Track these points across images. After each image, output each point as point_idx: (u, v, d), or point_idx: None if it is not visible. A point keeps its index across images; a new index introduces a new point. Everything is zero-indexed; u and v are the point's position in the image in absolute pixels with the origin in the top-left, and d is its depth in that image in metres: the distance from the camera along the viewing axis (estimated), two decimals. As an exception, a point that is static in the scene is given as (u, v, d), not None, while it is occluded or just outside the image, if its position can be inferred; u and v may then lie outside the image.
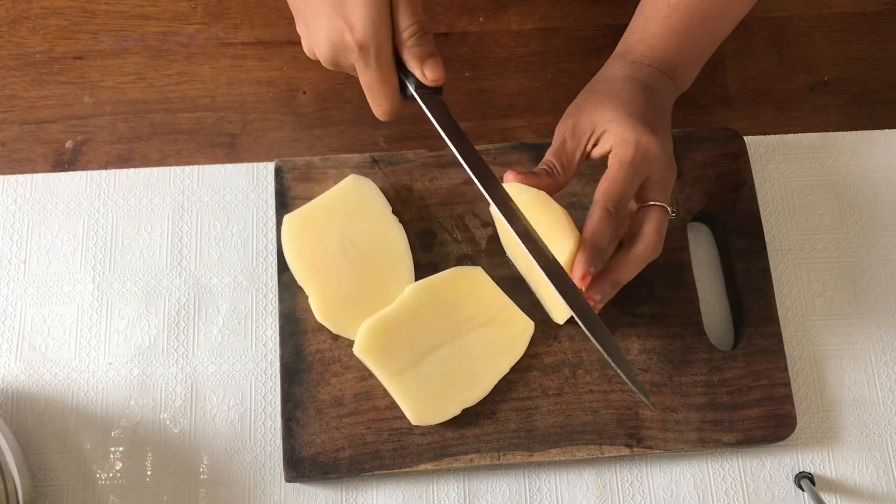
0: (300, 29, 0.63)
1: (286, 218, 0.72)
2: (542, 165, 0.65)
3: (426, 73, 0.60)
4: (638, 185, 0.63)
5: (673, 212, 0.66)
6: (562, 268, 0.61)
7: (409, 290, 0.70)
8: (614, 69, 0.68)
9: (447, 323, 0.70)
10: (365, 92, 0.61)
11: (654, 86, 0.66)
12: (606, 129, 0.63)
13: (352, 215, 0.72)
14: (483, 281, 0.71)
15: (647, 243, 0.64)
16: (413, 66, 0.60)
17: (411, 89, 0.61)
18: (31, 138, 0.79)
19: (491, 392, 0.70)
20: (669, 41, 0.67)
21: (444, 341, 0.70)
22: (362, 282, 0.71)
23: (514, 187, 0.63)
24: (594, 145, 0.65)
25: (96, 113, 0.80)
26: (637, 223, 0.65)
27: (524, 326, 0.71)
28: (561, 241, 0.62)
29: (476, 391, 0.69)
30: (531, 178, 0.63)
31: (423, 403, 0.68)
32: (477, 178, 0.61)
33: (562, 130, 0.65)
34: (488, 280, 0.72)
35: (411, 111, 0.63)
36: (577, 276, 0.61)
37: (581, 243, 0.61)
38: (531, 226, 0.61)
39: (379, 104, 0.62)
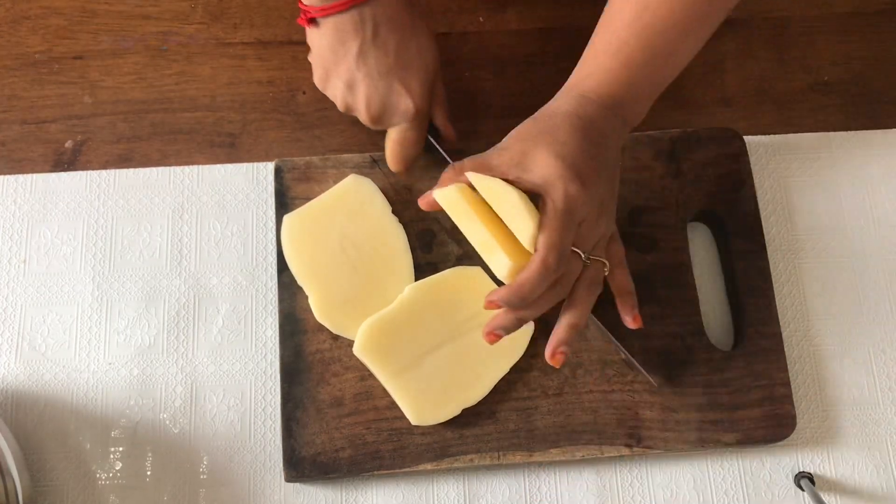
0: (335, 88, 0.72)
1: (286, 218, 0.72)
2: (457, 164, 0.66)
3: (450, 131, 0.75)
4: (572, 236, 0.61)
5: (586, 259, 0.63)
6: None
7: (409, 290, 0.70)
8: (560, 102, 0.65)
9: (447, 323, 0.70)
10: (393, 144, 0.73)
11: (598, 124, 0.64)
12: (535, 167, 0.62)
13: (352, 215, 0.72)
14: (483, 281, 0.71)
15: (574, 298, 0.64)
16: (441, 125, 0.75)
17: (431, 139, 0.74)
18: (31, 138, 0.79)
19: (491, 392, 0.70)
20: (618, 76, 0.65)
21: (444, 341, 0.70)
22: (362, 282, 0.71)
23: (474, 175, 0.63)
24: (515, 174, 0.63)
25: (96, 113, 0.80)
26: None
27: (524, 326, 0.71)
28: (521, 224, 0.61)
29: (476, 391, 0.69)
30: (447, 177, 0.67)
31: (422, 403, 0.68)
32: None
33: (489, 155, 0.64)
34: (488, 280, 0.72)
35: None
36: (486, 300, 0.62)
37: (507, 295, 0.61)
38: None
39: (406, 156, 0.73)
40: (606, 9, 0.67)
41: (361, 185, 0.73)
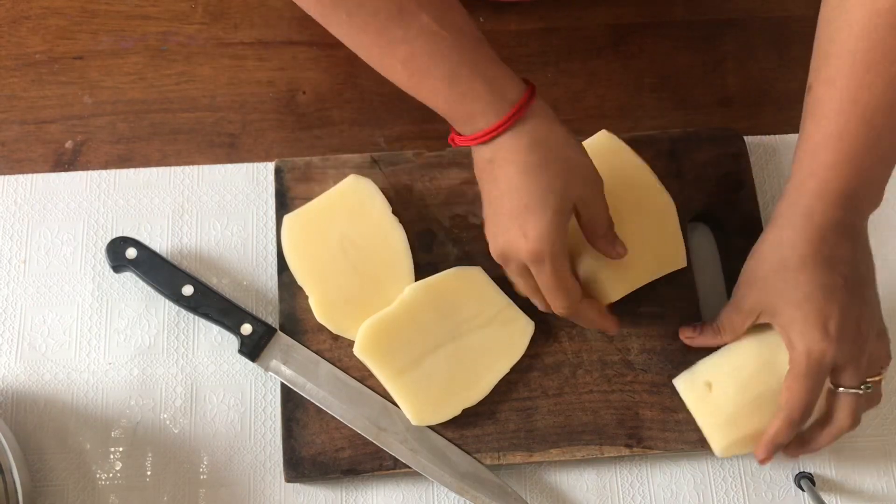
0: (491, 230, 0.64)
1: (286, 218, 0.72)
2: (713, 323, 0.68)
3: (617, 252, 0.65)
4: (820, 388, 0.62)
5: (867, 389, 0.64)
6: None
7: (409, 290, 0.70)
8: (786, 225, 0.62)
9: (447, 323, 0.70)
10: (543, 291, 0.63)
11: (838, 246, 0.60)
12: (774, 319, 0.63)
13: (352, 215, 0.72)
14: (483, 281, 0.71)
15: (840, 426, 0.65)
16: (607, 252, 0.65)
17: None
18: (31, 138, 0.79)
19: (491, 392, 0.70)
20: (844, 168, 0.60)
21: (444, 341, 0.70)
22: (362, 282, 0.71)
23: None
24: (764, 321, 0.65)
25: (96, 113, 0.80)
26: (829, 405, 0.65)
27: (524, 326, 0.71)
28: None
29: (476, 391, 0.69)
30: (700, 339, 0.69)
31: (423, 403, 0.68)
32: None
33: (735, 296, 0.66)
34: (488, 280, 0.71)
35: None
36: (758, 458, 0.65)
37: (763, 439, 0.64)
38: None
39: (558, 305, 0.64)
40: (809, 94, 0.61)
41: (361, 185, 0.73)
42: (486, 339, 0.70)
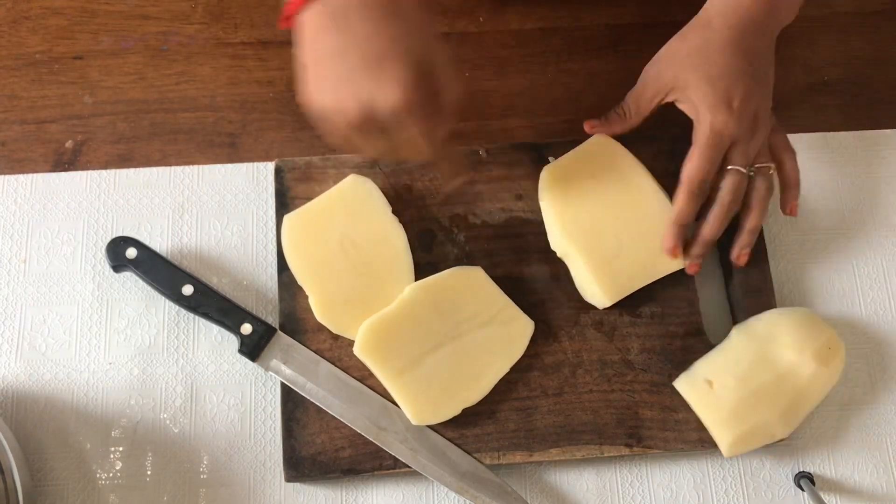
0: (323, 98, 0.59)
1: (286, 218, 0.72)
2: (617, 109, 0.74)
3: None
4: (718, 160, 0.69)
5: (750, 171, 0.70)
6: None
7: (409, 290, 0.70)
8: (715, 14, 0.69)
9: (447, 323, 0.70)
10: (404, 144, 0.60)
11: (748, 33, 0.68)
12: (685, 93, 0.69)
13: (352, 215, 0.72)
14: (483, 281, 0.71)
15: (722, 203, 0.70)
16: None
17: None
18: (31, 138, 0.79)
19: (491, 392, 0.70)
20: None
21: (444, 341, 0.70)
22: (362, 282, 0.71)
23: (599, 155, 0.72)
24: (672, 98, 0.71)
25: (96, 113, 0.80)
26: (715, 186, 0.71)
27: (524, 326, 0.71)
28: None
29: (476, 391, 0.69)
30: (604, 127, 0.74)
31: (423, 403, 0.68)
32: None
33: (646, 76, 0.72)
34: (488, 280, 0.71)
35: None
36: (666, 250, 0.71)
37: (669, 223, 0.71)
38: None
39: (426, 153, 0.61)
40: None
41: (361, 185, 0.73)
42: (486, 339, 0.70)
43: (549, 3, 0.85)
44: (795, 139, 0.79)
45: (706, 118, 0.68)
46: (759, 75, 0.69)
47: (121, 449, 0.70)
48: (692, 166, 0.69)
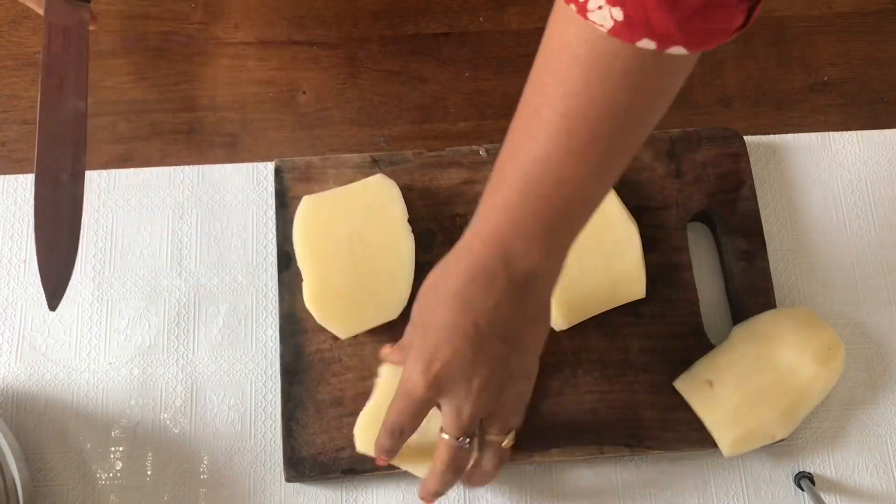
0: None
1: (305, 198, 0.72)
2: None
3: None
4: (414, 416, 0.60)
5: (466, 441, 0.60)
6: None
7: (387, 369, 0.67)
8: (453, 252, 0.60)
9: None
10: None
11: (480, 283, 0.57)
12: (406, 338, 0.62)
13: (369, 212, 0.72)
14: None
15: (433, 470, 0.61)
16: None
17: None
18: (31, 138, 0.78)
19: (491, 392, 0.70)
20: (499, 213, 0.57)
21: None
22: (359, 281, 0.71)
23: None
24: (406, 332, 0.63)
25: (96, 113, 0.79)
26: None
27: (524, 326, 0.71)
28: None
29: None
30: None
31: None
32: None
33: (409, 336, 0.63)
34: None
35: None
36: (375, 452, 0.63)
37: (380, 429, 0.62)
38: None
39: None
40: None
41: (387, 187, 0.73)
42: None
43: (549, 3, 0.85)
44: (795, 139, 0.80)
45: (405, 371, 0.59)
46: (484, 337, 0.58)
47: (121, 449, 0.70)
48: (391, 410, 0.60)
